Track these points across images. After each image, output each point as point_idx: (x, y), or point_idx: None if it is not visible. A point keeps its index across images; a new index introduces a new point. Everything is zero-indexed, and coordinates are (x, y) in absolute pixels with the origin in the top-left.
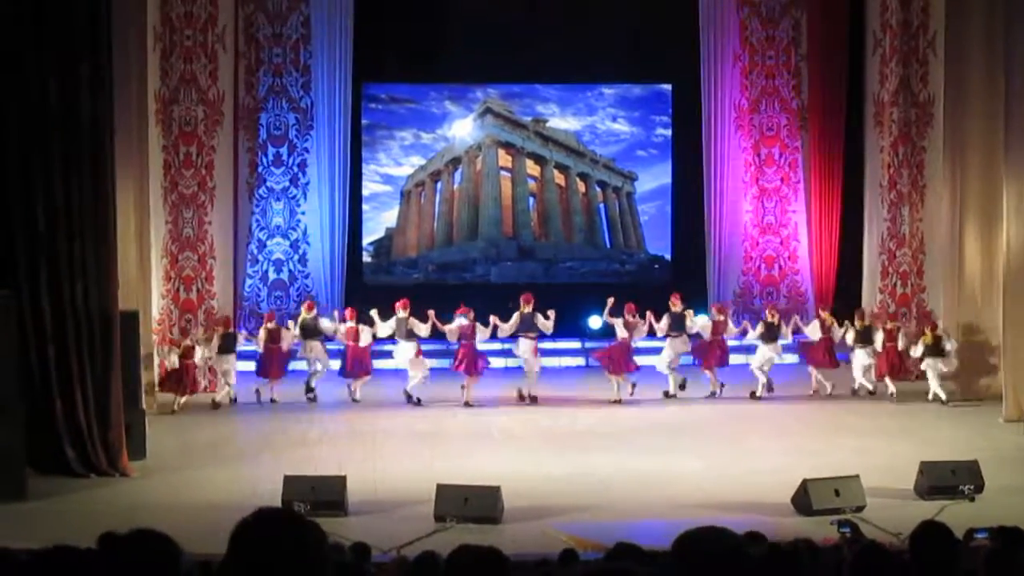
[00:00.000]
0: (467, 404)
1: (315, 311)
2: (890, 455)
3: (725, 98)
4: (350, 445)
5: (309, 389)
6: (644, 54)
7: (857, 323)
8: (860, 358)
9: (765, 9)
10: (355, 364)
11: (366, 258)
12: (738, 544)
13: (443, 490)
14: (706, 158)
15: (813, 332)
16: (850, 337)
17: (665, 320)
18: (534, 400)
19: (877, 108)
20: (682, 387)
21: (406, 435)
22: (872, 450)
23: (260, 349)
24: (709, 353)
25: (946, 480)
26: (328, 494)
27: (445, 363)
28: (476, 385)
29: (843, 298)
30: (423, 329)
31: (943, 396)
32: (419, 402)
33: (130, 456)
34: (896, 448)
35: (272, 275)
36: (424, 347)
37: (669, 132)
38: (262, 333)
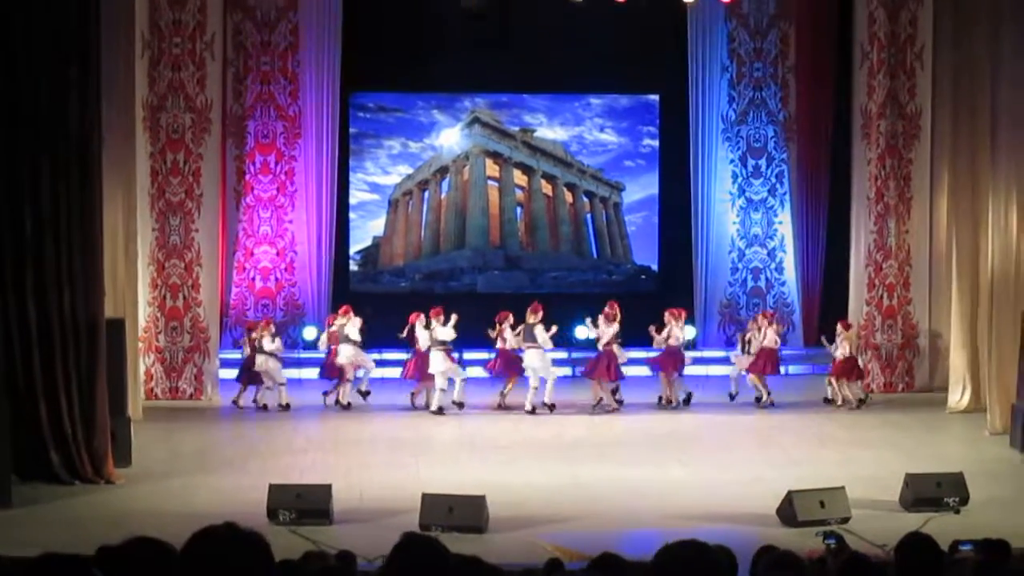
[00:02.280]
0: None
1: (350, 315)
2: (876, 466)
3: (712, 109)
4: (336, 453)
5: (364, 393)
6: (632, 65)
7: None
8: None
9: (752, 21)
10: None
11: (353, 267)
12: (716, 560)
13: (428, 499)
14: (693, 169)
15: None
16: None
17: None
18: (552, 408)
19: (864, 120)
20: (686, 401)
21: (392, 443)
22: (857, 461)
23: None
24: (756, 361)
25: (931, 492)
26: (313, 502)
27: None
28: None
29: (829, 310)
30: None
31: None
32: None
33: (116, 463)
34: (882, 459)
35: (259, 283)
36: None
37: (656, 143)
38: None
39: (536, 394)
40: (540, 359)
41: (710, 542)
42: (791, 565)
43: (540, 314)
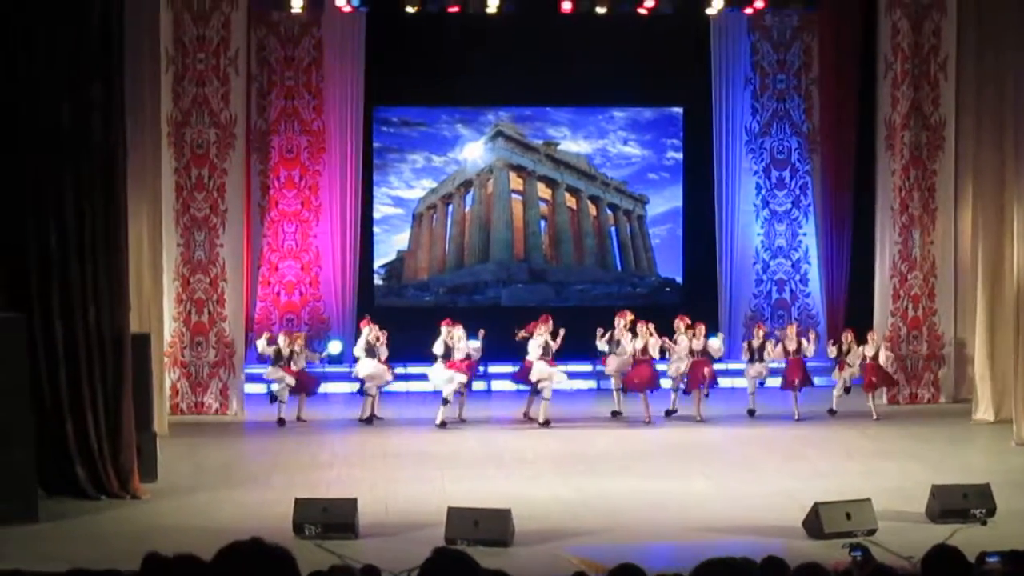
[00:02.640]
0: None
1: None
2: (901, 478)
3: (736, 121)
4: (361, 467)
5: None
6: (655, 77)
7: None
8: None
9: (776, 33)
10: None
11: (377, 281)
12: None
13: (454, 512)
14: (717, 181)
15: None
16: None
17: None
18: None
19: (888, 131)
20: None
21: (417, 457)
22: (883, 473)
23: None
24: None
25: (958, 503)
26: (339, 516)
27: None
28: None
29: (854, 321)
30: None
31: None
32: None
33: (142, 478)
34: (907, 471)
35: (284, 298)
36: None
37: (680, 155)
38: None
39: (548, 407)
40: (546, 370)
41: (735, 555)
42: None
43: (549, 324)
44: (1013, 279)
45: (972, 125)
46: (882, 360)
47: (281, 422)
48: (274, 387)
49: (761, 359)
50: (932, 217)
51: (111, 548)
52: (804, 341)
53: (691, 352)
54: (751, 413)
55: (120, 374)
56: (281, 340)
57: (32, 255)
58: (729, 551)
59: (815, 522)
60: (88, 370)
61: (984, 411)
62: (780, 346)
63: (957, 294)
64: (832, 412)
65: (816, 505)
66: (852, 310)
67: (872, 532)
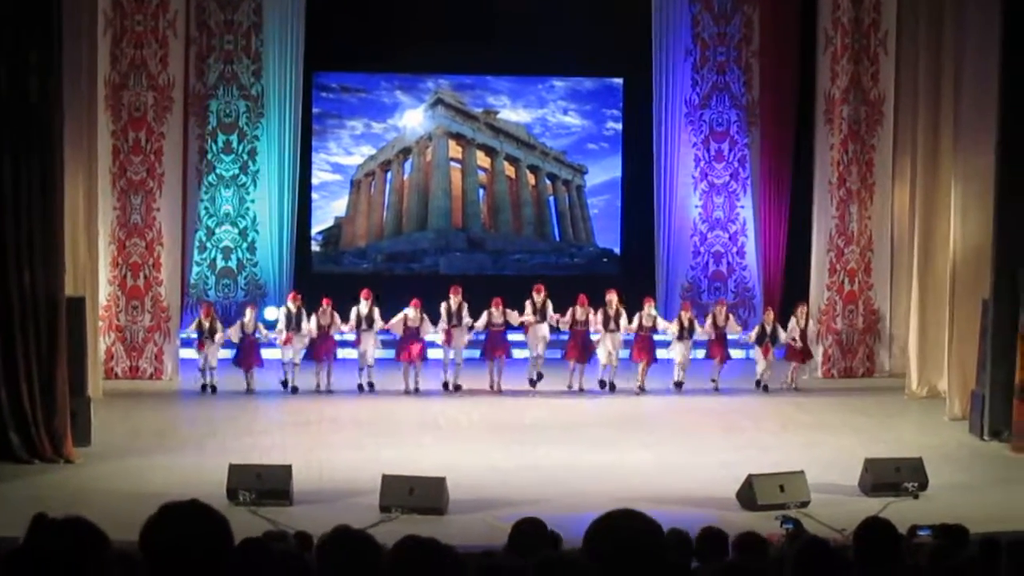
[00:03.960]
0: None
1: (370, 300)
2: (836, 451)
3: (676, 93)
4: (296, 434)
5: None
6: (596, 47)
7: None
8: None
9: (717, 5)
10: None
11: (315, 247)
12: (648, 530)
13: (388, 480)
14: (656, 152)
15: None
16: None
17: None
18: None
19: (827, 105)
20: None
21: (352, 424)
22: (818, 445)
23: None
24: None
25: (891, 477)
26: (273, 483)
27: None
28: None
29: (790, 294)
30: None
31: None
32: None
33: (75, 443)
34: (842, 444)
35: (220, 263)
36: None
37: (620, 126)
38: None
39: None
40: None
41: (666, 525)
42: (754, 545)
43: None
44: (948, 255)
45: (911, 101)
46: (811, 333)
47: (295, 390)
48: (288, 355)
49: (691, 336)
50: (870, 192)
51: (43, 512)
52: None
53: (640, 327)
54: (678, 386)
55: (54, 338)
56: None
57: None
58: (663, 522)
59: (749, 494)
60: (22, 334)
61: (917, 385)
62: (708, 323)
63: (893, 269)
64: (761, 385)
65: (750, 477)
66: (788, 283)
67: (805, 504)
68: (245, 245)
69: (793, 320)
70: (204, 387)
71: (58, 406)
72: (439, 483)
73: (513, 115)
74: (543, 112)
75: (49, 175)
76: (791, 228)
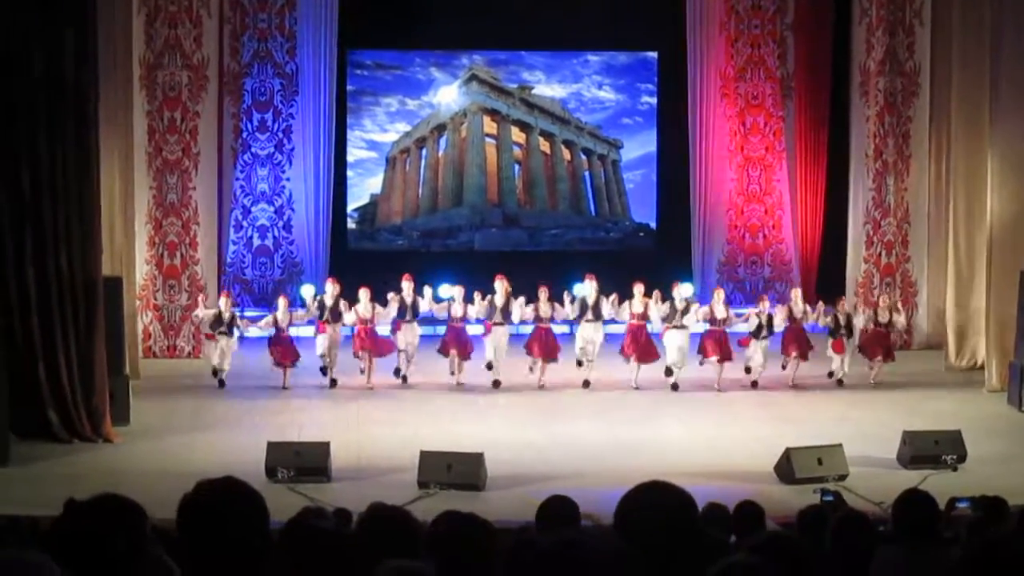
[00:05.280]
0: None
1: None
2: (874, 424)
3: (710, 66)
4: (334, 412)
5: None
6: (630, 22)
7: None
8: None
9: None
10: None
11: (351, 224)
12: (680, 504)
13: (426, 457)
14: (691, 126)
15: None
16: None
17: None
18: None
19: (863, 78)
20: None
21: (390, 402)
22: (856, 419)
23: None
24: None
25: (929, 450)
26: (312, 460)
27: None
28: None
29: (827, 267)
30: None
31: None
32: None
33: (114, 422)
34: (880, 417)
35: (256, 241)
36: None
37: (654, 100)
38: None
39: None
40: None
41: (703, 500)
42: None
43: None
44: (985, 226)
45: (947, 72)
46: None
47: (333, 383)
48: (322, 346)
49: (771, 334)
50: (906, 164)
51: (81, 492)
52: (808, 309)
53: (712, 320)
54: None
55: (92, 318)
56: (222, 303)
57: (5, 200)
58: (699, 497)
59: (787, 467)
60: (60, 314)
61: (956, 358)
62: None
63: (930, 241)
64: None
65: (788, 450)
66: (825, 256)
67: (843, 477)
68: (281, 223)
69: (864, 313)
70: (215, 372)
71: (96, 386)
72: (477, 459)
73: (548, 90)
74: (578, 87)
75: (85, 156)
76: (827, 201)
